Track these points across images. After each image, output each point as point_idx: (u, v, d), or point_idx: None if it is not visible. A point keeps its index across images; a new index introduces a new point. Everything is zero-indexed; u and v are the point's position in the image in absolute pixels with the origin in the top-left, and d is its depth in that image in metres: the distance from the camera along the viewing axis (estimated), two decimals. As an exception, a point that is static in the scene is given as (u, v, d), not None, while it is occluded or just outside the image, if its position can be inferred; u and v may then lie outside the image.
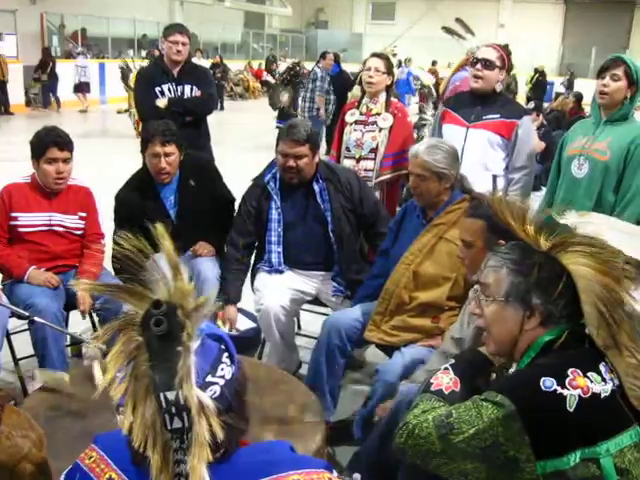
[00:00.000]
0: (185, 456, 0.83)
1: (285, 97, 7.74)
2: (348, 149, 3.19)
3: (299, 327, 3.17)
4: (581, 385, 1.17)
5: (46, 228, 2.60)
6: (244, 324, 3.06)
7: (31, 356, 2.54)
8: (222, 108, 13.87)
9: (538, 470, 1.16)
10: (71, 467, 0.98)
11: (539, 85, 14.50)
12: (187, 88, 3.56)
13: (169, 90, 3.54)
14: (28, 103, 12.97)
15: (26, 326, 2.44)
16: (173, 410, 0.81)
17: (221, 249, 2.78)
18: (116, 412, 1.53)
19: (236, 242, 2.65)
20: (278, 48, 22.53)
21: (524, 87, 14.30)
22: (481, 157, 2.80)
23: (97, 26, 15.55)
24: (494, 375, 1.44)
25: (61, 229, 2.63)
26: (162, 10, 18.27)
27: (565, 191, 2.60)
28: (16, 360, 2.55)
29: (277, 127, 7.33)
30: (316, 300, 2.73)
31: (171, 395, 0.81)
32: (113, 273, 2.58)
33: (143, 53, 13.59)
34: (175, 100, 3.52)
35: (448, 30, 4.41)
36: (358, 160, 3.14)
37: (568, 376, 1.17)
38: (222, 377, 0.88)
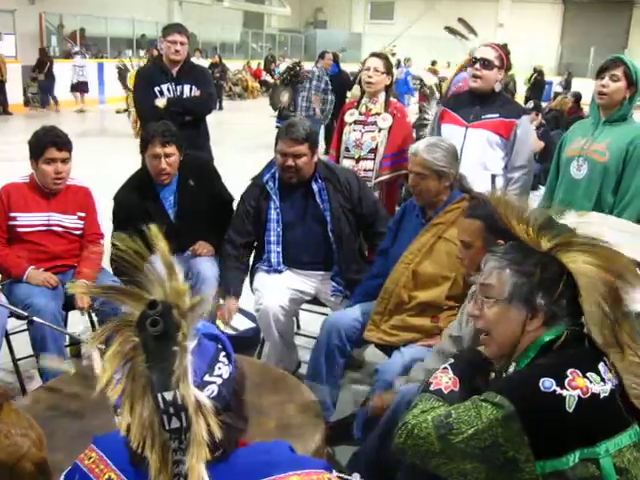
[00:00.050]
0: (184, 456, 0.82)
1: (285, 97, 7.73)
2: (347, 149, 3.19)
3: (298, 327, 3.17)
4: (580, 386, 1.17)
5: (45, 228, 2.60)
6: (243, 324, 3.07)
7: (30, 356, 2.53)
8: (221, 108, 13.87)
9: (537, 470, 1.16)
10: (70, 468, 0.98)
11: (537, 85, 14.51)
12: (186, 88, 3.56)
13: (168, 90, 3.54)
14: (26, 103, 12.95)
15: (25, 326, 2.44)
16: (171, 410, 0.81)
17: (220, 249, 2.78)
18: (114, 413, 1.52)
19: (233, 240, 2.65)
20: (277, 48, 22.53)
21: (523, 87, 14.30)
22: (480, 157, 2.80)
23: (96, 26, 15.53)
24: (493, 375, 1.44)
25: (60, 229, 2.63)
26: (161, 10, 18.26)
27: (564, 192, 2.60)
28: (15, 360, 2.55)
29: (277, 127, 7.32)
30: (315, 300, 2.73)
31: (168, 395, 0.80)
32: (112, 273, 2.58)
33: (142, 53, 13.58)
34: (174, 100, 3.52)
35: (451, 30, 4.39)
36: (357, 160, 3.14)
37: (567, 377, 1.17)
38: (219, 376, 0.88)
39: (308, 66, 8.41)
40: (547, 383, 1.16)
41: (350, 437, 2.18)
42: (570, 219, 1.39)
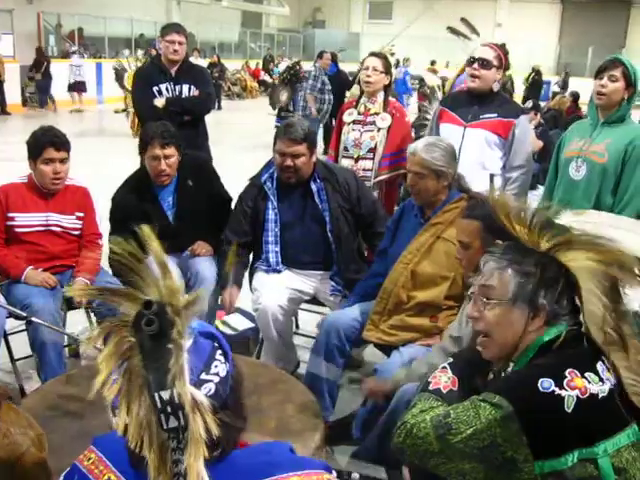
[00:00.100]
0: (183, 456, 0.82)
1: (284, 96, 7.73)
2: (346, 149, 3.19)
3: (297, 327, 3.17)
4: (579, 386, 1.17)
5: (43, 228, 2.60)
6: (242, 323, 3.07)
7: (29, 356, 2.53)
8: (220, 108, 13.86)
9: (536, 470, 1.16)
10: (69, 469, 0.98)
11: (535, 84, 14.53)
12: (185, 87, 3.56)
13: (167, 90, 3.54)
14: (25, 102, 12.94)
15: (24, 327, 2.43)
16: (168, 409, 0.81)
17: (219, 248, 2.78)
18: (112, 414, 1.52)
19: (230, 240, 2.64)
20: (275, 48, 22.52)
21: (521, 86, 14.32)
22: (478, 156, 2.80)
23: (94, 26, 15.52)
24: (492, 374, 1.44)
25: (58, 229, 2.62)
26: (159, 10, 18.24)
27: (563, 193, 2.60)
28: (14, 360, 2.54)
29: (276, 126, 7.32)
30: (314, 300, 2.73)
31: (165, 394, 0.80)
32: (112, 274, 2.58)
33: (139, 53, 13.56)
34: (173, 100, 3.52)
35: (453, 30, 4.37)
36: (356, 160, 3.14)
37: (566, 377, 1.17)
38: (216, 374, 0.88)
39: (307, 66, 8.41)
40: (546, 383, 1.16)
41: (349, 437, 2.19)
42: (566, 218, 1.38)
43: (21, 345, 2.52)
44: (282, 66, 11.27)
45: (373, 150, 3.11)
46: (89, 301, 2.50)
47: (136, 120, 7.59)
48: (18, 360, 2.56)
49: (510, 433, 1.16)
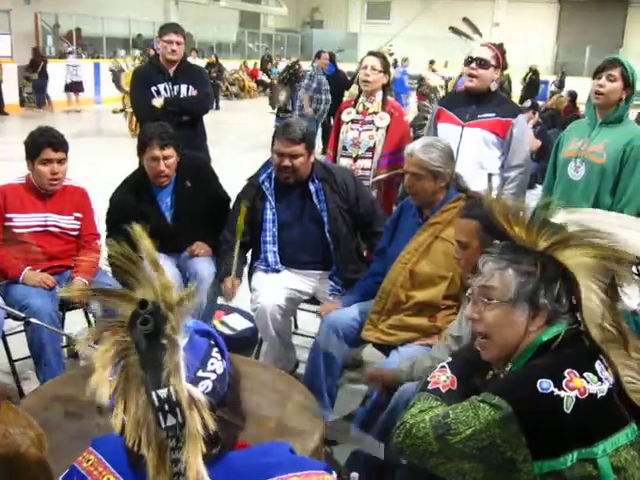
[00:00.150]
0: (181, 454, 0.82)
1: (283, 96, 7.72)
2: (345, 148, 3.19)
3: (296, 326, 3.17)
4: (578, 386, 1.17)
5: (41, 229, 2.59)
6: (241, 323, 3.07)
7: (27, 357, 2.53)
8: (218, 108, 13.85)
9: (535, 470, 1.16)
10: (68, 470, 0.98)
11: (532, 84, 14.54)
12: (183, 87, 3.56)
13: (165, 90, 3.53)
14: (22, 102, 12.91)
15: (22, 327, 2.43)
16: (166, 407, 0.81)
17: (217, 249, 2.78)
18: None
19: (229, 240, 2.64)
20: (273, 48, 22.51)
21: (519, 86, 14.33)
22: (476, 156, 2.80)
23: (92, 26, 15.49)
24: (491, 372, 1.44)
25: (56, 230, 2.62)
26: (157, 10, 18.22)
27: (562, 193, 2.61)
28: (12, 361, 2.54)
29: (275, 126, 7.30)
30: (313, 299, 2.73)
31: (163, 393, 0.80)
32: (112, 275, 2.58)
33: (136, 52, 13.54)
34: (171, 100, 3.52)
35: (455, 30, 4.37)
36: (355, 159, 3.14)
37: (565, 377, 1.17)
38: (213, 372, 0.88)
39: (306, 66, 8.40)
40: (545, 384, 1.16)
41: (348, 437, 2.18)
42: (560, 217, 1.38)
43: (19, 346, 2.51)
44: (282, 66, 11.27)
45: (372, 149, 3.11)
46: (87, 302, 2.49)
47: (134, 120, 7.59)
48: (16, 361, 2.56)
49: (509, 434, 1.16)
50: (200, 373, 0.86)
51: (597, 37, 19.44)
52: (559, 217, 1.37)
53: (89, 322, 2.74)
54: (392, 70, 3.62)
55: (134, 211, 2.61)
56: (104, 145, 9.18)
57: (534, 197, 3.87)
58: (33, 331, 2.34)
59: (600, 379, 1.20)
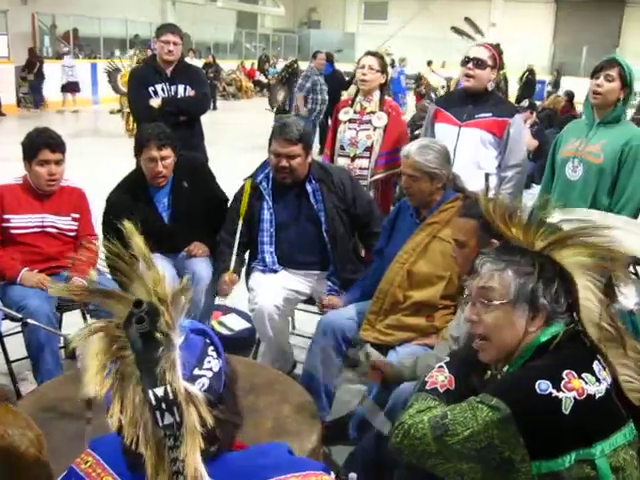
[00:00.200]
0: (180, 453, 0.82)
1: (281, 96, 7.72)
2: (342, 147, 3.19)
3: (293, 327, 3.17)
4: (576, 387, 1.17)
5: (39, 230, 2.59)
6: (239, 324, 3.06)
7: (24, 358, 2.52)
8: (215, 108, 13.84)
9: (533, 470, 1.16)
10: (67, 472, 0.98)
11: (529, 84, 14.56)
12: (180, 88, 3.55)
13: (163, 90, 3.53)
14: (19, 103, 12.89)
15: (19, 328, 2.42)
16: (163, 406, 0.81)
17: (215, 249, 2.78)
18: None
19: (226, 241, 2.64)
20: (271, 48, 22.50)
21: (516, 86, 14.35)
22: (473, 155, 2.81)
23: (89, 26, 15.46)
24: (489, 372, 1.44)
25: (54, 230, 2.62)
26: (154, 10, 18.20)
27: (559, 193, 2.61)
28: (9, 362, 2.53)
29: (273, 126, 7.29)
30: (311, 300, 2.73)
31: (159, 391, 0.80)
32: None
33: (130, 52, 13.51)
34: (169, 100, 3.52)
35: (457, 30, 4.38)
36: (353, 159, 3.14)
37: (563, 379, 1.17)
38: (210, 369, 0.88)
39: (303, 66, 8.40)
40: (543, 385, 1.16)
41: (346, 437, 2.19)
42: (556, 217, 1.39)
43: (17, 347, 2.51)
44: (280, 66, 11.26)
45: (369, 149, 3.11)
46: (84, 303, 2.49)
47: (131, 120, 7.58)
48: (14, 362, 2.55)
49: (507, 435, 1.16)
50: (196, 371, 0.86)
51: (594, 37, 19.46)
52: (554, 218, 1.37)
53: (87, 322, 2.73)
54: (389, 70, 3.62)
55: (130, 212, 2.61)
56: (101, 146, 9.16)
57: (531, 197, 3.87)
58: (30, 332, 2.34)
59: (598, 380, 1.20)
